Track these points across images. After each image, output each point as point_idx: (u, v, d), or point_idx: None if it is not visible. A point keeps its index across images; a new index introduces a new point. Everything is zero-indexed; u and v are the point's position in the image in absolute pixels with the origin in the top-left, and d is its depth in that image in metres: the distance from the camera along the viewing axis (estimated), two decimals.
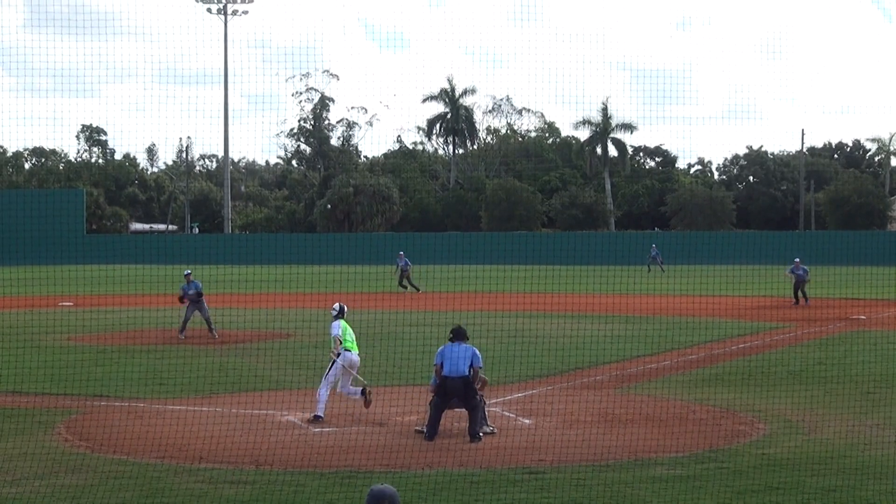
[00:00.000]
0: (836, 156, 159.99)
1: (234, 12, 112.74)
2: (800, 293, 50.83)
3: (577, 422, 22.18)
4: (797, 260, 51.79)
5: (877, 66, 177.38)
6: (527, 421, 22.63)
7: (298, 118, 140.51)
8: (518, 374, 28.02)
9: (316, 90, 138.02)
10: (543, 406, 23.91)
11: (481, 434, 20.82)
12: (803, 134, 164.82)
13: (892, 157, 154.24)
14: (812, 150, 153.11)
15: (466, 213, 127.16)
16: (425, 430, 21.03)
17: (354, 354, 23.15)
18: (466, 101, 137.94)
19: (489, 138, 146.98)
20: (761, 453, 19.49)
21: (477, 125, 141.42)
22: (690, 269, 54.30)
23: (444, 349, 21.36)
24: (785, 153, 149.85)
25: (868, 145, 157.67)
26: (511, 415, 23.29)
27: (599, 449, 19.42)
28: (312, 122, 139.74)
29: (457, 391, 20.95)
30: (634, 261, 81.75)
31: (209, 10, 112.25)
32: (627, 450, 19.51)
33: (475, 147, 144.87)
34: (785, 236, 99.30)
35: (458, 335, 21.51)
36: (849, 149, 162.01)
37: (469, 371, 21.00)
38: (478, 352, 21.31)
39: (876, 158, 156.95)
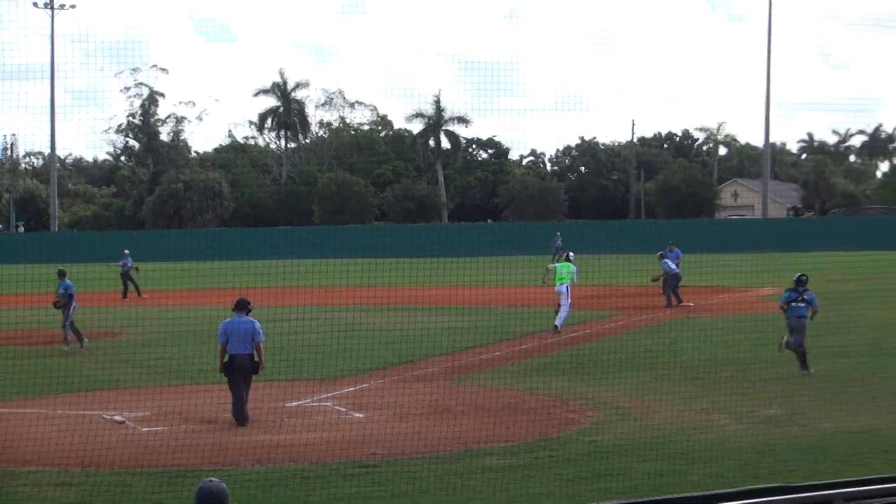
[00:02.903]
0: (665, 145, 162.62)
1: (62, 6, 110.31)
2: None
3: (409, 414, 22.15)
4: (671, 243, 50.07)
5: (704, 57, 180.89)
6: (359, 415, 22.54)
7: (127, 114, 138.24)
8: (350, 368, 27.89)
9: (145, 85, 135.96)
10: (375, 399, 23.81)
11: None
12: (633, 124, 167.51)
13: (720, 146, 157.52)
14: (642, 140, 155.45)
15: (299, 207, 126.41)
16: (233, 416, 21.08)
17: None
18: (298, 94, 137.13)
19: (322, 132, 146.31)
20: (591, 440, 19.67)
21: (309, 119, 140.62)
22: (522, 259, 54.69)
23: (226, 326, 21.57)
24: (616, 143, 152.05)
25: (696, 135, 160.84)
26: (343, 409, 23.18)
27: (431, 441, 19.42)
28: (141, 118, 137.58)
29: (244, 369, 21.11)
30: (468, 251, 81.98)
31: (35, 5, 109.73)
32: (459, 441, 19.52)
33: (307, 141, 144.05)
34: (616, 226, 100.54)
35: (240, 306, 21.85)
36: (678, 138, 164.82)
37: (253, 347, 21.32)
38: (259, 325, 21.35)
39: (704, 148, 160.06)
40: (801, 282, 27.92)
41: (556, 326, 36.26)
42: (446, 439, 19.61)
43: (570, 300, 37.17)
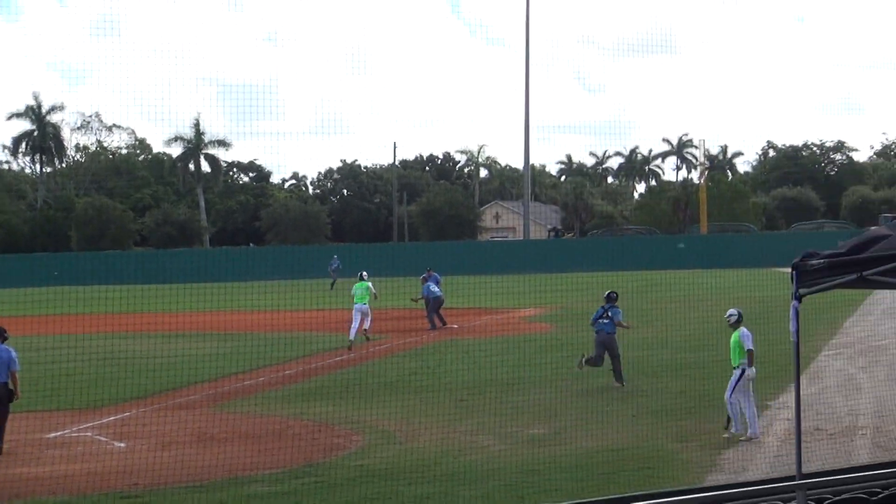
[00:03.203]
0: (427, 168, 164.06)
1: None
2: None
3: (172, 443, 21.76)
4: (429, 269, 49.86)
5: (463, 80, 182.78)
6: (121, 444, 22.06)
7: None
8: (111, 397, 27.26)
9: None
10: (138, 428, 23.35)
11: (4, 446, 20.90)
12: (395, 147, 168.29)
13: (481, 168, 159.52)
14: (404, 162, 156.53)
15: (56, 233, 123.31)
16: None
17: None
18: (53, 117, 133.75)
19: (78, 156, 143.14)
20: (358, 465, 19.60)
21: (65, 142, 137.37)
22: (284, 283, 54.36)
23: None
24: (378, 166, 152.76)
25: (458, 157, 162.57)
26: (104, 439, 22.65)
27: (196, 469, 19.10)
28: None
29: (2, 397, 20.68)
30: (229, 277, 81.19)
31: None
32: (224, 468, 19.24)
33: (64, 165, 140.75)
34: (379, 248, 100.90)
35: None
36: (439, 161, 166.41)
37: (8, 376, 20.88)
38: (15, 354, 20.90)
39: (466, 170, 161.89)
40: (610, 298, 28.99)
41: (363, 338, 39.29)
42: (211, 467, 19.30)
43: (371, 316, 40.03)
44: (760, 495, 11.82)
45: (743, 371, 21.86)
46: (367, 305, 40.11)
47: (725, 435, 21.68)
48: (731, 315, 22.55)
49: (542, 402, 25.14)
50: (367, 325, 40.38)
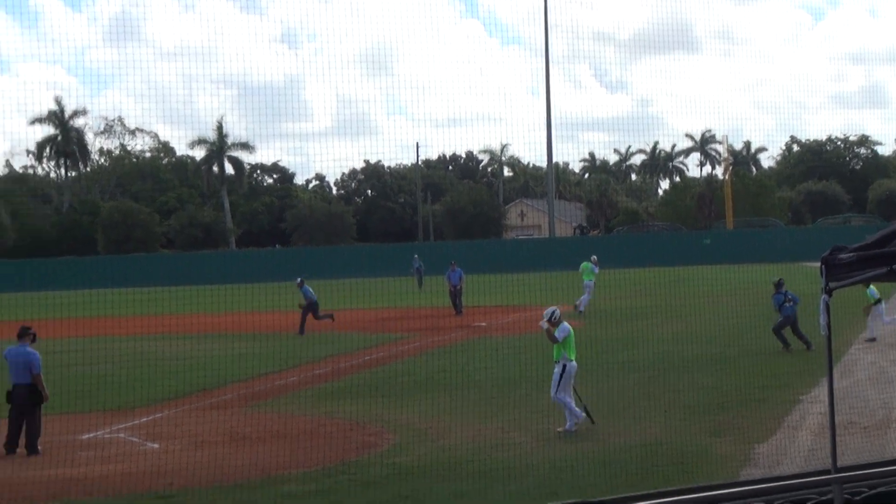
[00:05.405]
0: (450, 167, 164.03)
1: None
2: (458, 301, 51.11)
3: (205, 443, 21.81)
4: (453, 263, 52.45)
5: (484, 79, 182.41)
6: (154, 445, 22.10)
7: None
8: (143, 399, 27.37)
9: None
10: (171, 429, 23.39)
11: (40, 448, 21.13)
12: (418, 147, 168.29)
13: (504, 167, 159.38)
14: (427, 162, 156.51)
15: (82, 236, 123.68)
16: (5, 446, 21.13)
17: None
18: (77, 122, 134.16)
19: (102, 160, 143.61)
20: (391, 462, 19.62)
21: (89, 147, 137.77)
22: (313, 284, 54.45)
23: (5, 354, 21.61)
24: (401, 166, 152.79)
25: (481, 156, 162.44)
26: (137, 440, 22.72)
27: (229, 469, 19.15)
28: None
29: (23, 399, 20.87)
30: (255, 278, 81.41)
31: None
32: (258, 468, 19.28)
33: (88, 169, 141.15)
34: (404, 248, 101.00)
35: (21, 334, 21.74)
36: (463, 160, 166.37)
37: (31, 378, 21.16)
38: (37, 356, 21.13)
39: (489, 169, 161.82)
40: (780, 285, 33.59)
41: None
42: (244, 467, 19.35)
43: None
44: (796, 489, 11.78)
45: (564, 366, 22.22)
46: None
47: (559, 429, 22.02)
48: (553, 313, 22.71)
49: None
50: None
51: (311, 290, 44.75)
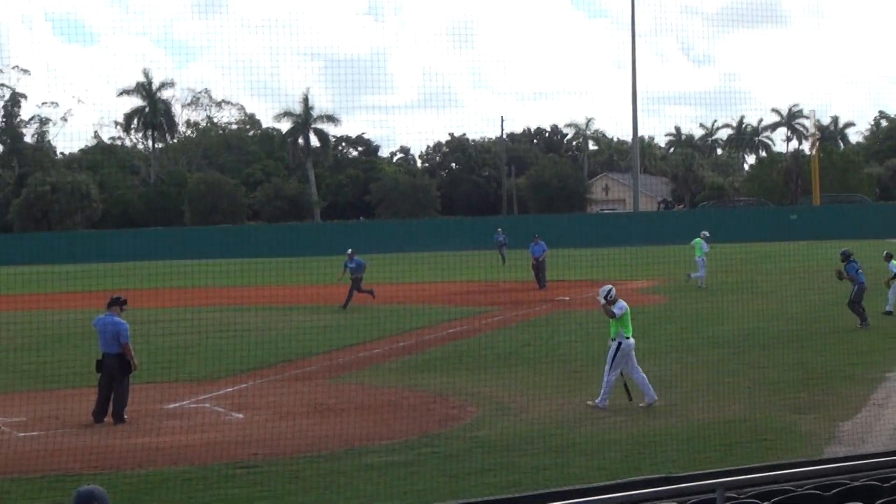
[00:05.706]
0: (535, 141, 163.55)
1: None
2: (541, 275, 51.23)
3: (289, 414, 21.97)
4: (536, 236, 52.68)
5: (568, 53, 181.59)
6: (238, 415, 22.32)
7: None
8: (227, 369, 27.59)
9: (6, 86, 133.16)
10: (255, 399, 23.61)
11: (126, 416, 21.43)
12: (503, 120, 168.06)
13: (589, 141, 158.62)
14: (512, 135, 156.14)
15: (169, 208, 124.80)
16: (94, 414, 21.47)
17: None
18: (164, 94, 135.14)
19: (189, 132, 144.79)
20: (473, 436, 19.66)
21: (176, 118, 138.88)
22: (397, 256, 54.66)
23: (95, 323, 22.03)
24: (486, 139, 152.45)
25: (565, 130, 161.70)
26: (222, 410, 22.94)
27: (312, 440, 19.29)
28: (4, 120, 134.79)
29: (112, 368, 21.17)
30: (340, 250, 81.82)
31: None
32: (340, 439, 19.42)
33: (175, 141, 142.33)
34: (488, 221, 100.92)
35: (111, 304, 22.07)
36: (547, 134, 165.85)
37: (119, 347, 21.48)
38: (125, 326, 21.40)
39: (574, 143, 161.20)
40: (848, 255, 34.37)
41: None
42: (327, 438, 19.50)
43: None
44: (881, 467, 11.68)
45: (619, 344, 22.04)
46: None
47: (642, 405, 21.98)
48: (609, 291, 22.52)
49: (655, 373, 24.98)
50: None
51: (363, 261, 44.68)
